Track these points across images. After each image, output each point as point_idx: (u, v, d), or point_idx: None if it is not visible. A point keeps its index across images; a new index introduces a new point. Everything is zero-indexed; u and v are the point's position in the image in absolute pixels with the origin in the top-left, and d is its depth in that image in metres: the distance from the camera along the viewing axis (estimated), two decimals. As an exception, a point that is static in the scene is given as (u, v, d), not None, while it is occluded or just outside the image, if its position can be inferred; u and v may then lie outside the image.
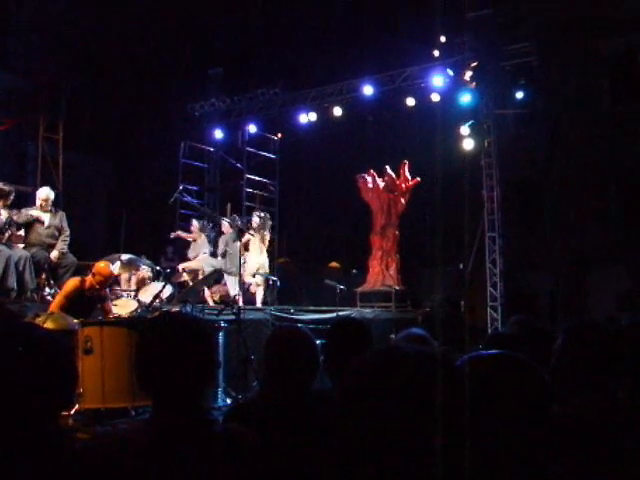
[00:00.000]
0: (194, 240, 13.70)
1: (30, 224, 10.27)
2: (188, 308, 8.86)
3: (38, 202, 10.48)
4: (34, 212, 10.27)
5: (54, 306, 7.99)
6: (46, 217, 10.36)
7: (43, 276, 9.89)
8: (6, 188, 10.11)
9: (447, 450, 1.40)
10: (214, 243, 13.81)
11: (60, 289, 8.89)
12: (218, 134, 17.03)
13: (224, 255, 12.73)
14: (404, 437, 1.42)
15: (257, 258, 12.73)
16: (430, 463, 1.39)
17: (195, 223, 13.73)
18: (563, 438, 2.37)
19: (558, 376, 2.75)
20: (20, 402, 1.87)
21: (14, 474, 1.83)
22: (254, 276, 12.83)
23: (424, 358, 1.50)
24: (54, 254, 10.17)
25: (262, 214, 13.29)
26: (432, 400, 1.41)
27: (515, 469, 1.60)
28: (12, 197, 10.19)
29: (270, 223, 13.36)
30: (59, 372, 1.98)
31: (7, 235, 9.87)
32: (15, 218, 10.05)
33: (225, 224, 13.02)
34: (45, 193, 10.60)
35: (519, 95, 13.42)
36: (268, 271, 12.95)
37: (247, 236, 12.53)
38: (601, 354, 2.66)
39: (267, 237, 13.04)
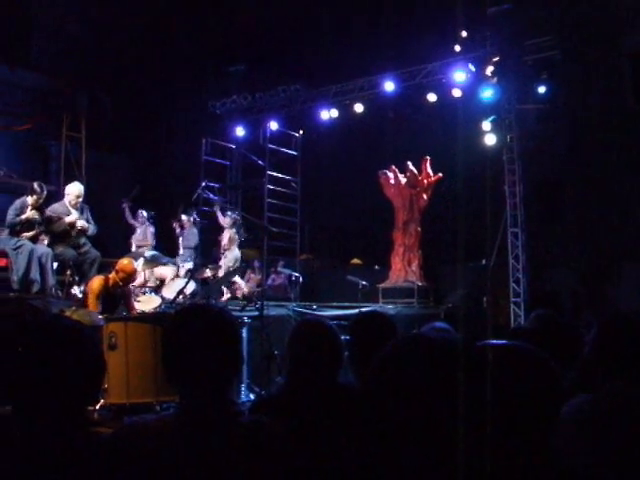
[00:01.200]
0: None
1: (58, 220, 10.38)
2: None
3: (70, 198, 10.55)
4: (70, 217, 10.34)
5: (90, 306, 8.12)
6: (75, 214, 10.47)
7: (68, 272, 9.98)
8: (37, 187, 10.23)
9: (468, 434, 1.41)
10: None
11: (86, 285, 8.98)
12: (240, 131, 17.07)
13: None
14: (428, 423, 1.44)
15: (235, 253, 12.92)
16: (453, 449, 1.41)
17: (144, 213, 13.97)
18: (594, 426, 2.39)
19: (591, 365, 2.79)
20: (51, 391, 1.91)
21: (43, 462, 1.87)
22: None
23: (447, 344, 1.52)
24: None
25: (234, 214, 13.61)
26: (455, 383, 1.43)
27: (526, 461, 1.61)
28: (43, 197, 10.31)
29: (240, 224, 13.58)
30: (89, 361, 2.01)
31: (33, 233, 10.00)
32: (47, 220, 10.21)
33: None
34: (79, 189, 10.68)
35: (541, 90, 13.32)
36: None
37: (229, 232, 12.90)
38: (633, 345, 2.70)
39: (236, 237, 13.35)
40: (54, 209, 10.39)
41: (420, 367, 1.49)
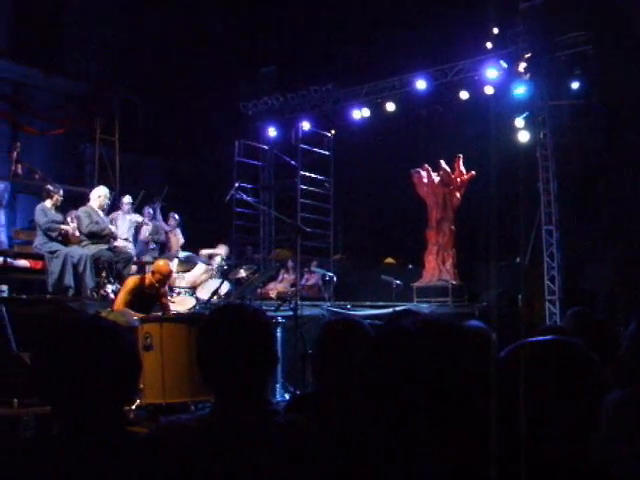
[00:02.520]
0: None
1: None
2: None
3: (102, 200, 10.76)
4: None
5: (118, 304, 8.15)
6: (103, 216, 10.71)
7: (103, 274, 10.09)
8: (52, 188, 10.40)
9: (503, 431, 1.41)
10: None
11: (120, 285, 9.07)
12: (272, 132, 17.12)
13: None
14: (464, 421, 1.43)
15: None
16: (489, 447, 1.40)
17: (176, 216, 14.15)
18: (630, 421, 2.38)
19: (627, 362, 2.76)
20: (88, 391, 1.93)
21: (82, 461, 1.89)
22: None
23: (475, 333, 1.51)
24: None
25: (177, 216, 13.73)
26: (482, 374, 1.42)
27: (566, 454, 1.59)
28: (61, 197, 10.49)
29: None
30: (126, 361, 2.03)
31: (55, 235, 10.13)
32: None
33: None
34: (106, 192, 10.93)
35: (574, 86, 13.21)
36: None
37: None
38: None
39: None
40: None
41: (453, 363, 1.49)
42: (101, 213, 10.76)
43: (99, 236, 10.46)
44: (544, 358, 1.65)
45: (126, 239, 12.40)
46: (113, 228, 10.96)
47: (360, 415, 1.48)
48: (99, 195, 10.85)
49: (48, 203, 10.28)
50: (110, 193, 11.30)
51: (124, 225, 12.49)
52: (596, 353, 1.73)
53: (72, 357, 1.93)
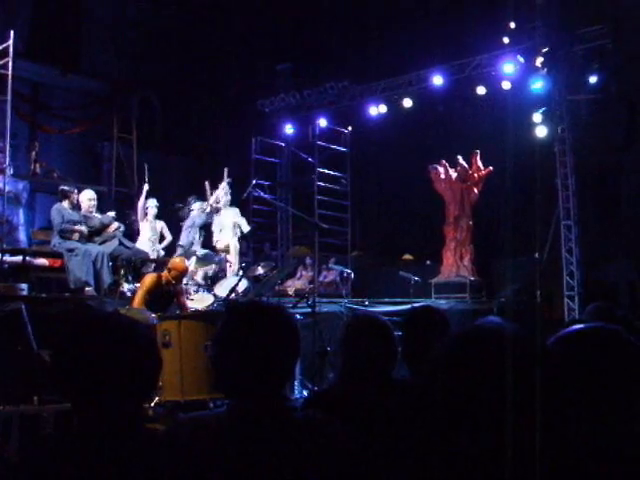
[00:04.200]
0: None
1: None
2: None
3: (90, 203, 10.93)
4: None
5: (136, 302, 8.19)
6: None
7: (122, 272, 10.14)
8: (67, 188, 10.47)
9: (541, 429, 1.39)
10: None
11: (138, 283, 9.12)
12: (289, 129, 17.14)
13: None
14: (492, 415, 1.42)
15: None
16: (518, 442, 1.39)
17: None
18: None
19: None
20: (109, 388, 1.94)
21: (101, 458, 1.90)
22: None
23: (509, 334, 1.50)
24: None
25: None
26: (523, 377, 1.41)
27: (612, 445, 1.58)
28: (77, 196, 10.58)
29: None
30: (146, 358, 2.04)
31: (76, 236, 10.19)
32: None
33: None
34: (92, 195, 11.09)
35: (592, 80, 13.11)
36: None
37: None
38: None
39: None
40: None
41: (486, 361, 1.48)
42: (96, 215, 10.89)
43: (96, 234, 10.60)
44: (593, 346, 1.64)
45: (156, 240, 12.60)
46: (115, 225, 11.01)
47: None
48: (89, 198, 10.95)
49: (65, 204, 10.34)
50: (130, 190, 11.43)
51: (148, 228, 12.62)
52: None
53: (91, 355, 1.94)
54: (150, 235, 12.50)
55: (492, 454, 1.42)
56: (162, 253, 12.54)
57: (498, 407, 1.41)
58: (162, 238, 12.84)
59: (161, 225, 12.85)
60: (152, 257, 11.83)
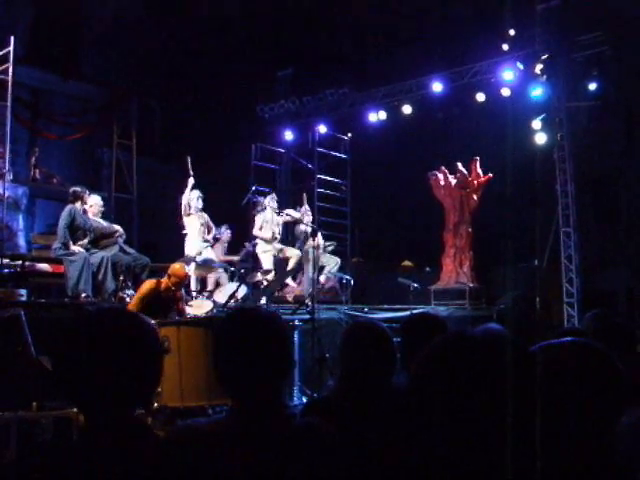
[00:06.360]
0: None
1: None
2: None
3: (100, 209, 10.86)
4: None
5: (131, 307, 8.14)
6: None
7: (121, 278, 10.10)
8: (79, 189, 10.41)
9: (518, 433, 1.40)
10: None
11: (137, 290, 9.08)
12: (288, 135, 17.15)
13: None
14: (476, 421, 1.43)
15: None
16: (501, 447, 1.39)
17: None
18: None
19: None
20: (111, 392, 1.94)
21: (103, 463, 1.90)
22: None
23: (495, 339, 1.50)
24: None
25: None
26: (503, 381, 1.41)
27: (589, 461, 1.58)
28: (87, 199, 10.49)
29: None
30: (148, 362, 2.04)
31: (87, 241, 10.12)
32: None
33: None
34: (99, 200, 11.03)
35: (592, 87, 13.14)
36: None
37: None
38: None
39: None
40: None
41: (469, 365, 1.48)
42: (100, 220, 10.85)
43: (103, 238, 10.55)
44: (563, 360, 1.64)
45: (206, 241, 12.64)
46: (116, 227, 10.98)
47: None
48: (98, 204, 10.89)
49: (78, 205, 10.19)
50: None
51: (195, 221, 12.61)
52: (616, 355, 1.71)
53: (94, 359, 1.94)
54: (199, 227, 12.46)
55: (479, 459, 1.43)
56: (211, 243, 12.63)
57: (477, 412, 1.42)
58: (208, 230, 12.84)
59: (206, 217, 12.80)
60: (203, 249, 11.98)
